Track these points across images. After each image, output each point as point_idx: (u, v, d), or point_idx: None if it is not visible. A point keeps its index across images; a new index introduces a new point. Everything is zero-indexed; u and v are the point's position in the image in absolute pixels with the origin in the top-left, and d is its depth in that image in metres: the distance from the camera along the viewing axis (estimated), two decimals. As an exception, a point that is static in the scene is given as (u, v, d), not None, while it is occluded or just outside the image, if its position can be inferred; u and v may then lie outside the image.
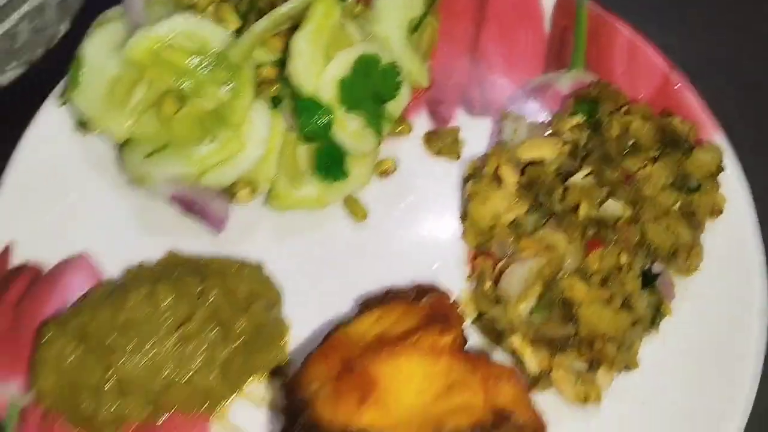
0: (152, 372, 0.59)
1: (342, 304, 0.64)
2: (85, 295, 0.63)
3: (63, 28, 0.73)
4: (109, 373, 0.59)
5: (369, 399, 0.50)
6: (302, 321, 0.64)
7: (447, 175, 0.69)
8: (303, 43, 0.62)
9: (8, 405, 0.59)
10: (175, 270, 0.63)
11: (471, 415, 0.49)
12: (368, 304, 0.61)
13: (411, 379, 0.51)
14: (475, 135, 0.70)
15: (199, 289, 0.61)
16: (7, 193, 0.64)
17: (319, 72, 0.63)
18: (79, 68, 0.65)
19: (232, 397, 0.62)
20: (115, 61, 0.64)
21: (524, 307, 0.60)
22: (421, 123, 0.71)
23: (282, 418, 0.58)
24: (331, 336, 0.57)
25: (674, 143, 0.62)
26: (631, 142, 0.63)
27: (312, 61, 0.62)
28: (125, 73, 0.64)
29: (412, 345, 0.53)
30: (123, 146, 0.65)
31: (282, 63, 0.64)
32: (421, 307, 0.57)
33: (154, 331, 0.60)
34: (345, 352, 0.54)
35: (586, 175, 0.61)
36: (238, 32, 0.64)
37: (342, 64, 0.63)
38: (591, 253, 0.60)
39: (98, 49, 0.65)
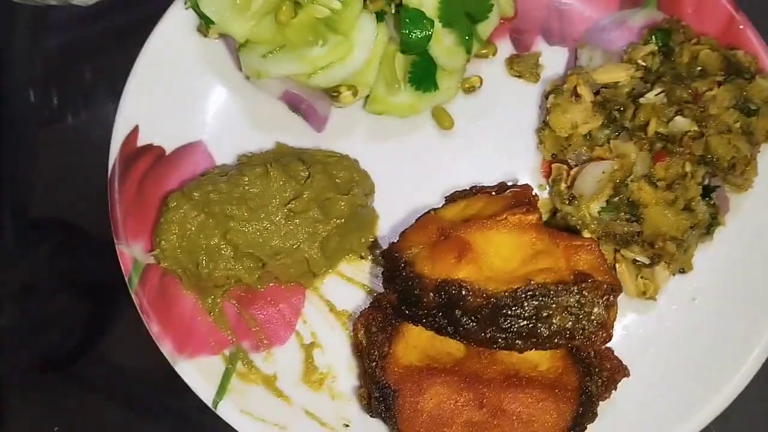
0: (262, 241, 0.67)
1: (428, 199, 0.72)
2: (202, 174, 0.70)
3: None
4: (226, 238, 0.66)
5: (464, 259, 0.58)
6: (391, 212, 0.72)
7: (526, 95, 0.76)
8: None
9: (134, 262, 0.67)
10: (283, 158, 0.70)
11: (554, 275, 0.57)
12: (455, 197, 0.69)
13: (501, 247, 0.59)
14: (552, 62, 0.77)
15: (305, 173, 0.69)
16: (136, 84, 0.72)
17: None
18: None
19: (326, 271, 0.70)
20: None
21: (595, 206, 0.67)
22: (504, 48, 0.78)
23: (382, 281, 0.65)
24: (424, 216, 0.65)
25: (738, 71, 0.69)
26: (699, 69, 0.70)
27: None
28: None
29: (501, 221, 0.60)
30: (242, 47, 0.72)
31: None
32: (505, 197, 0.65)
33: (265, 206, 0.67)
34: (440, 225, 0.62)
35: (657, 94, 0.68)
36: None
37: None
38: (658, 163, 0.67)
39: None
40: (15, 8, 0.80)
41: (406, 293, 0.59)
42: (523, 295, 0.55)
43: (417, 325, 0.60)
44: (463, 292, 0.55)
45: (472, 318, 0.56)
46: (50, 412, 0.74)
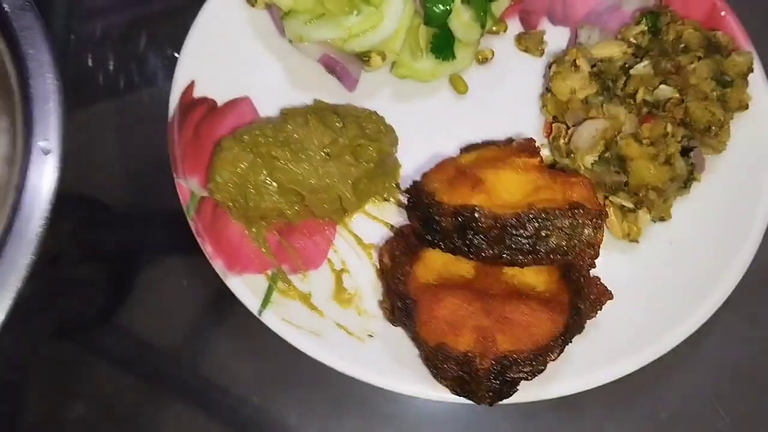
0: (302, 179, 0.78)
1: (445, 152, 0.83)
2: (250, 123, 0.82)
3: None
4: (272, 175, 0.78)
5: (477, 189, 0.69)
6: (412, 162, 0.83)
7: (531, 66, 0.88)
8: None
9: (190, 194, 0.78)
10: (321, 111, 0.82)
11: (552, 204, 0.68)
12: (468, 149, 0.80)
13: (508, 183, 0.70)
14: (556, 39, 0.89)
15: (339, 124, 0.80)
16: (193, 45, 0.83)
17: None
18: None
19: (356, 209, 0.81)
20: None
21: (589, 159, 0.78)
22: (514, 26, 0.89)
23: (406, 211, 0.76)
24: (443, 161, 0.77)
25: (716, 48, 0.81)
26: (682, 46, 0.82)
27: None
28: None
29: (509, 162, 0.72)
30: (286, 15, 0.84)
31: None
32: (512, 146, 0.76)
33: (305, 149, 0.78)
34: (456, 166, 0.73)
35: (645, 66, 0.80)
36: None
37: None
38: (644, 124, 0.78)
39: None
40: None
41: (427, 219, 0.70)
42: (526, 218, 0.66)
43: (435, 249, 0.71)
44: (476, 215, 0.67)
45: (483, 237, 0.67)
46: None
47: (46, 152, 0.61)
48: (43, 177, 0.61)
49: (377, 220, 0.81)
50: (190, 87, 0.81)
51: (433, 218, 0.69)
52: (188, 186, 0.77)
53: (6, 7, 0.66)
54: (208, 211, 0.77)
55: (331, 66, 0.84)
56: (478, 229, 0.67)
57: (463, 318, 0.67)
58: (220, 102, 0.82)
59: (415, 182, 0.74)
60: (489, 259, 0.67)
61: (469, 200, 0.68)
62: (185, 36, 0.83)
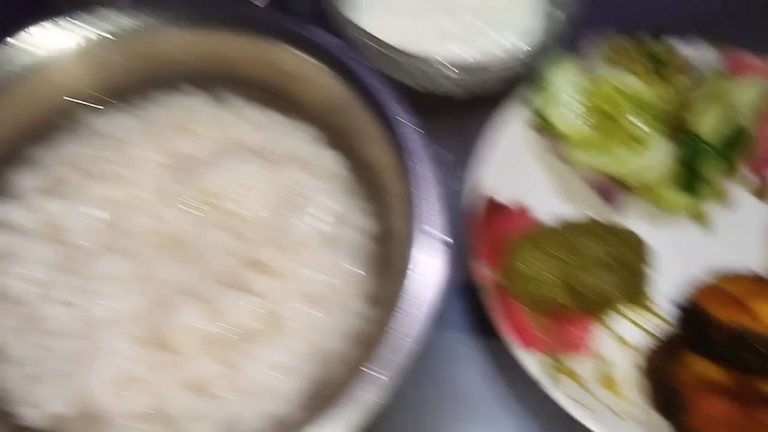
0: (578, 278, 0.95)
1: (695, 274, 0.99)
2: (534, 227, 1.00)
3: None
4: (553, 272, 0.96)
5: (748, 314, 0.86)
6: (664, 280, 1.00)
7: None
8: (703, 104, 1.00)
9: (485, 278, 0.96)
10: (593, 224, 1.00)
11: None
12: (724, 275, 0.97)
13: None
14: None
15: (607, 237, 0.98)
16: (492, 160, 1.03)
17: (709, 123, 1.00)
18: (546, 89, 1.05)
19: (616, 311, 0.98)
20: (574, 88, 1.03)
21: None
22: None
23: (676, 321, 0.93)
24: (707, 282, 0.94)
25: None
26: None
27: (707, 114, 1.00)
28: (581, 98, 1.03)
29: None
30: (567, 140, 1.03)
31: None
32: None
33: (582, 254, 0.96)
34: (721, 290, 0.90)
35: None
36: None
37: (718, 119, 1.01)
38: None
39: (560, 77, 1.05)
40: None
41: (700, 333, 0.86)
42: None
43: (698, 355, 0.87)
44: (752, 337, 0.83)
45: (757, 356, 0.83)
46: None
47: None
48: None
49: (632, 322, 0.97)
50: (489, 191, 1.00)
51: (707, 334, 0.85)
52: (483, 271, 0.95)
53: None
54: (502, 296, 0.94)
55: (603, 190, 1.02)
56: (753, 349, 0.83)
57: (727, 417, 0.83)
58: (510, 205, 1.00)
59: (689, 299, 0.91)
60: (757, 373, 0.83)
61: (741, 322, 0.84)
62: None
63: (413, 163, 0.81)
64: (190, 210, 0.87)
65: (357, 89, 0.86)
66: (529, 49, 1.01)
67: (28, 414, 0.77)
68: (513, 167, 1.02)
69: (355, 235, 0.87)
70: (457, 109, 1.08)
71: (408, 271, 0.75)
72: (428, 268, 0.74)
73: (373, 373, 0.68)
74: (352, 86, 0.86)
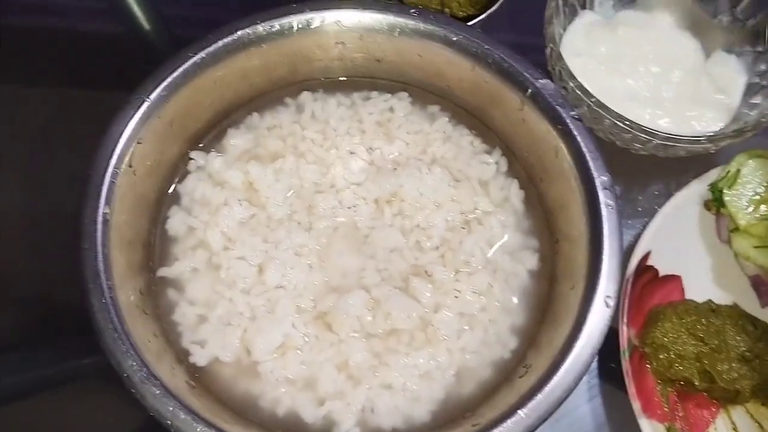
0: (716, 364, 0.97)
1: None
2: (680, 300, 1.02)
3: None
4: (692, 351, 0.98)
5: None
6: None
7: None
8: None
9: (628, 341, 0.99)
10: (740, 316, 1.02)
11: None
12: None
13: None
14: None
15: (755, 333, 0.99)
16: (656, 224, 1.05)
17: None
18: (731, 173, 1.06)
19: (743, 403, 0.99)
20: (759, 180, 1.04)
21: None
22: None
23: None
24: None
25: None
26: None
27: None
28: (763, 191, 1.04)
29: None
30: (737, 230, 1.04)
31: None
32: None
33: (724, 340, 0.98)
34: None
35: None
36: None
37: None
38: None
39: (748, 165, 1.06)
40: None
41: None
42: None
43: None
44: None
45: None
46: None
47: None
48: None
49: (757, 423, 0.98)
50: (646, 255, 1.02)
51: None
52: (627, 333, 0.98)
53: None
54: (636, 359, 0.97)
55: (757, 284, 1.03)
56: None
57: None
58: (661, 273, 1.03)
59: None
60: None
61: None
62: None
63: (600, 220, 0.84)
64: (375, 206, 0.93)
65: (562, 132, 0.90)
66: (727, 131, 1.02)
67: (194, 351, 0.85)
68: (677, 238, 1.04)
69: (518, 268, 0.91)
70: (640, 163, 1.09)
71: (572, 322, 0.78)
72: (593, 325, 0.78)
73: (521, 414, 0.72)
74: (557, 128, 0.90)
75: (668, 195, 1.06)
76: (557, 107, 0.89)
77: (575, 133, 0.88)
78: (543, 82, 0.91)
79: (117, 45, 1.23)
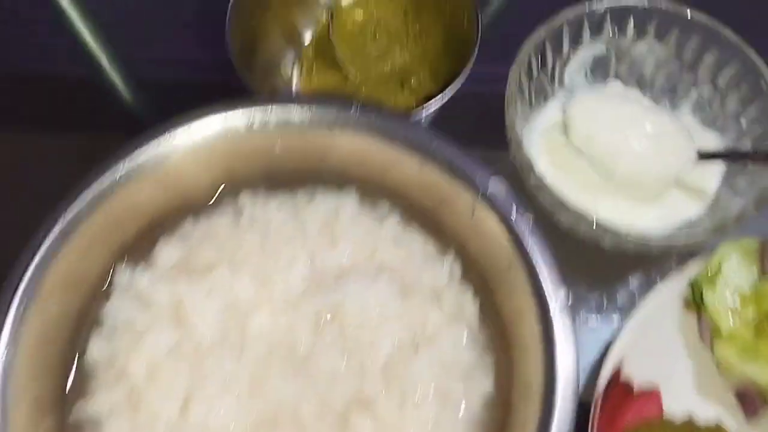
0: None
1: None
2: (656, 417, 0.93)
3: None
4: None
5: None
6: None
7: None
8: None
9: None
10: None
11: None
12: None
13: None
14: None
15: None
16: (629, 333, 0.95)
17: None
18: (712, 270, 0.96)
19: None
20: (742, 279, 0.94)
21: None
22: None
23: None
24: None
25: None
26: None
27: None
28: (747, 292, 0.94)
29: None
30: (720, 336, 0.95)
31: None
32: None
33: None
34: None
35: None
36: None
37: None
38: None
39: (730, 262, 0.96)
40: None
41: None
42: None
43: None
44: None
45: None
46: None
47: None
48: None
49: None
50: (618, 369, 0.93)
51: None
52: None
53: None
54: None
55: (742, 395, 0.94)
56: None
57: None
58: (636, 385, 0.93)
59: None
60: None
61: None
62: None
63: (554, 344, 0.77)
64: (315, 323, 0.85)
65: (514, 242, 0.82)
66: (706, 227, 0.93)
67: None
68: (655, 341, 0.96)
69: (471, 394, 0.82)
70: (603, 258, 1.00)
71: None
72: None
73: None
74: (509, 236, 0.82)
75: (650, 285, 0.96)
76: (509, 214, 0.81)
77: (528, 244, 0.80)
78: (494, 185, 0.82)
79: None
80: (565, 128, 1.03)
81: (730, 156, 1.00)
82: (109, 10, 1.25)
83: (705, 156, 0.99)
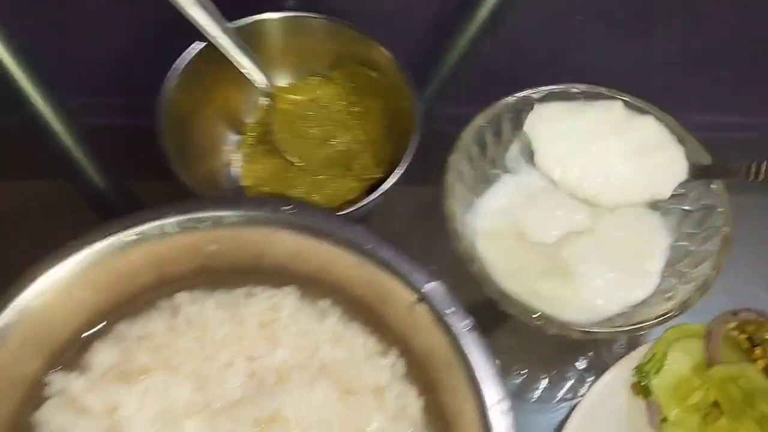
0: None
1: None
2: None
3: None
4: None
5: None
6: None
7: None
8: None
9: None
10: None
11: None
12: None
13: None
14: None
15: None
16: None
17: None
18: (656, 356, 0.96)
19: None
20: (689, 364, 0.94)
21: None
22: None
23: None
24: None
25: None
26: None
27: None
28: (693, 377, 0.93)
29: None
30: (665, 421, 0.94)
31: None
32: None
33: None
34: None
35: None
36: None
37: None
38: None
39: (676, 347, 0.95)
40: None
41: None
42: None
43: None
44: None
45: None
46: None
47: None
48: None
49: None
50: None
51: None
52: None
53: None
54: None
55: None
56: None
57: None
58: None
59: None
60: None
61: None
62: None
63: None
64: (254, 430, 0.82)
65: (451, 346, 0.81)
66: (649, 316, 0.93)
67: None
68: (602, 429, 0.93)
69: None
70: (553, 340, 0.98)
71: None
72: None
73: None
74: (446, 339, 0.82)
75: (600, 367, 0.95)
76: (446, 318, 0.79)
77: (466, 349, 0.78)
78: (431, 287, 0.81)
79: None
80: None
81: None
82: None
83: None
